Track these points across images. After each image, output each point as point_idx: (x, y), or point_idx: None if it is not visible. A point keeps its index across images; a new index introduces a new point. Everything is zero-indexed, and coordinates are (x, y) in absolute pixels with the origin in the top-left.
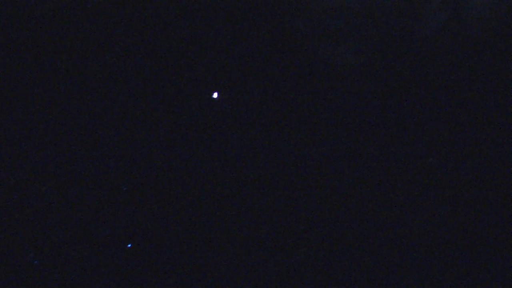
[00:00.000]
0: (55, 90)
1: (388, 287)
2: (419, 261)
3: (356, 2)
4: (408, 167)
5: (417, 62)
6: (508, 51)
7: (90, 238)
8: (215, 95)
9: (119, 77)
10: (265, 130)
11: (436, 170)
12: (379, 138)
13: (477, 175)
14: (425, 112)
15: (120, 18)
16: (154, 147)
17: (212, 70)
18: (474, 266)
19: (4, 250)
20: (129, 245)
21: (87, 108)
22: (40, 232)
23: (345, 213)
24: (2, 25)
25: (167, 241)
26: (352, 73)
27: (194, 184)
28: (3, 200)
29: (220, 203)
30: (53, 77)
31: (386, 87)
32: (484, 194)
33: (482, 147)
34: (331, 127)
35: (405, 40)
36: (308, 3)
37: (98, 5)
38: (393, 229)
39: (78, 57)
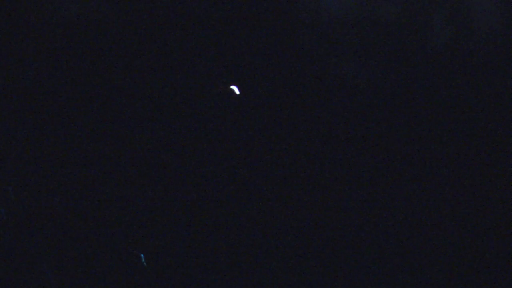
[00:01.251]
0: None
1: (388, 287)
2: (419, 261)
3: (363, 16)
4: (413, 178)
5: (424, 75)
6: None
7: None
8: (235, 90)
9: (120, 78)
10: (272, 143)
11: (439, 184)
12: (385, 150)
13: (482, 195)
14: (431, 124)
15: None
16: (155, 147)
17: (221, 82)
18: (474, 266)
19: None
20: (142, 256)
21: (87, 109)
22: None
23: (347, 223)
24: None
25: (168, 241)
26: (360, 86)
27: (195, 185)
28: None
29: (219, 203)
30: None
31: (393, 100)
32: (484, 200)
33: (488, 161)
34: (338, 140)
35: (412, 54)
36: (316, 17)
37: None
38: (392, 229)
39: (79, 58)
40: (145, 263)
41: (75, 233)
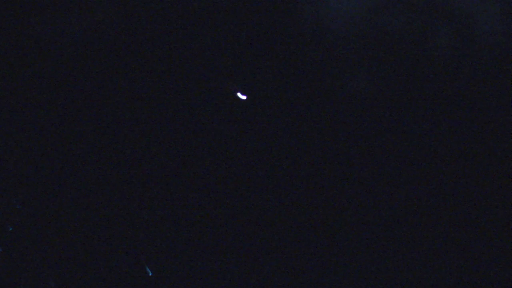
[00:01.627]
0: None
1: (388, 287)
2: (419, 261)
3: (367, 31)
4: (416, 187)
5: (427, 86)
6: None
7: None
8: (241, 96)
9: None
10: (278, 157)
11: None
12: (390, 161)
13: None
14: (436, 133)
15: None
16: (156, 148)
17: (227, 99)
18: (474, 266)
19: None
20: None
21: (89, 108)
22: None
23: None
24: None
25: (169, 242)
26: (364, 98)
27: (196, 185)
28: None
29: (220, 203)
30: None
31: (397, 113)
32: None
33: (490, 168)
34: (344, 153)
35: (415, 66)
36: (321, 34)
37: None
38: (393, 230)
39: (81, 59)
40: (149, 273)
41: (75, 234)
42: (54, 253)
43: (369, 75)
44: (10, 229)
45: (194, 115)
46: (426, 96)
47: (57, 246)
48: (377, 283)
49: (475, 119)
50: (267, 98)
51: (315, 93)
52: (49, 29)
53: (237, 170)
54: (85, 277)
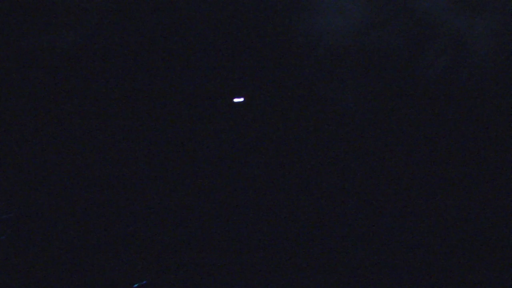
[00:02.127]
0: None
1: (388, 287)
2: (419, 261)
3: (359, 47)
4: (408, 201)
5: (418, 103)
6: (507, 95)
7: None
8: (238, 99)
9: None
10: (270, 171)
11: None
12: (381, 176)
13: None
14: (425, 150)
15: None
16: (157, 148)
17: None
18: (474, 266)
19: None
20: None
21: (90, 109)
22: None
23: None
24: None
25: (170, 241)
26: (354, 113)
27: (196, 186)
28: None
29: (220, 204)
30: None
31: (387, 127)
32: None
33: (485, 185)
34: (333, 167)
35: (406, 83)
36: (313, 49)
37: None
38: (392, 231)
39: (83, 61)
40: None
41: (75, 233)
42: (51, 254)
43: (358, 89)
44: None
45: (186, 122)
46: (414, 110)
47: (53, 247)
48: (377, 283)
49: (463, 133)
50: (259, 112)
51: (305, 105)
52: (41, 41)
53: (230, 172)
54: (84, 277)
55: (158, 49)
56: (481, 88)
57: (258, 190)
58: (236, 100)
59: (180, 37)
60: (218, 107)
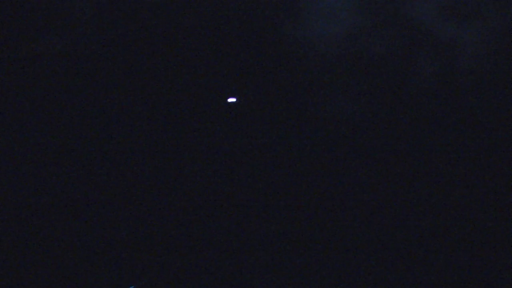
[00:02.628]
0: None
1: (388, 287)
2: (419, 261)
3: (351, 52)
4: (403, 208)
5: (409, 108)
6: (496, 101)
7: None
8: (231, 100)
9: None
10: (267, 180)
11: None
12: (376, 182)
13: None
14: (418, 156)
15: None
16: (157, 148)
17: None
18: (474, 266)
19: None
20: None
21: (90, 109)
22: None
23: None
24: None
25: (171, 241)
26: (348, 120)
27: (196, 186)
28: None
29: (220, 204)
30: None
31: (379, 131)
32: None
33: (478, 189)
34: (327, 176)
35: (398, 88)
36: (305, 54)
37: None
38: (392, 231)
39: (84, 62)
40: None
41: (73, 233)
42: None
43: (349, 93)
44: None
45: (181, 122)
46: (406, 115)
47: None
48: (377, 283)
49: (455, 137)
50: (252, 119)
51: (297, 108)
52: (37, 45)
53: (230, 172)
54: (84, 277)
55: (152, 52)
56: (471, 93)
57: (258, 190)
58: (229, 100)
59: (174, 41)
60: (212, 107)
